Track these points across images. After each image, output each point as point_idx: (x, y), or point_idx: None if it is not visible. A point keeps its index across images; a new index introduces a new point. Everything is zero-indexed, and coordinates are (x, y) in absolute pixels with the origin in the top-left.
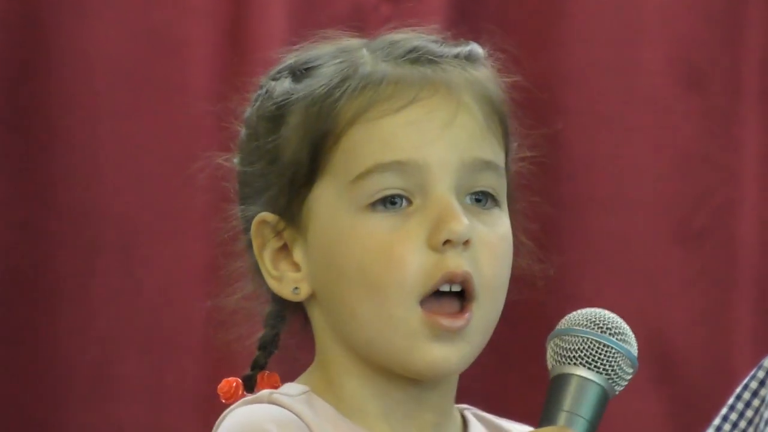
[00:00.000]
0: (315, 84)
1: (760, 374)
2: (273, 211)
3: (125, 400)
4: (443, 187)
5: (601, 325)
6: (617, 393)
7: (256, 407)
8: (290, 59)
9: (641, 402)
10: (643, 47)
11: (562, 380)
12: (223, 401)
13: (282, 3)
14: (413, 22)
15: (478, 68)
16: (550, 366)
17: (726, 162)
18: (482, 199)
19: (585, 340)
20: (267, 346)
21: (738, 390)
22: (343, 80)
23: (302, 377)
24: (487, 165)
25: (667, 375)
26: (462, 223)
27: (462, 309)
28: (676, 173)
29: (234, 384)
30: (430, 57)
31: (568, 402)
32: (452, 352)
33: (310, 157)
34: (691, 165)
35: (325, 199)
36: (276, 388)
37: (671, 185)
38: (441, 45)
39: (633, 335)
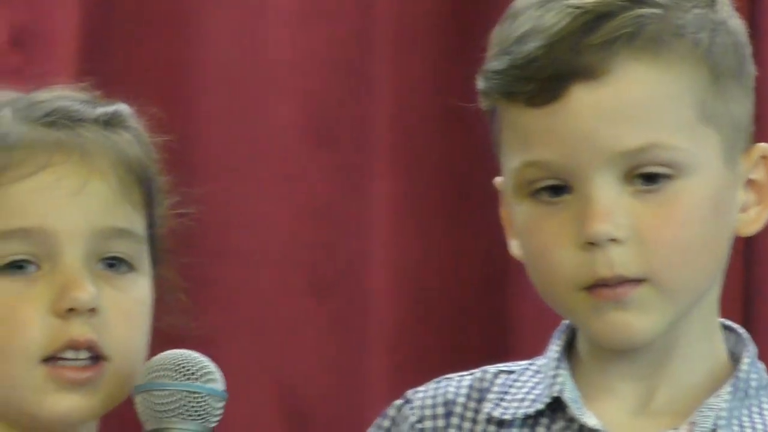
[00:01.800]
0: None
1: (385, 423)
2: None
3: None
4: (72, 255)
5: (184, 371)
6: (214, 425)
7: None
8: None
9: None
10: (274, 103)
11: None
12: None
13: None
14: (58, 79)
15: (119, 131)
16: (143, 420)
17: (356, 214)
18: (116, 264)
19: (174, 392)
20: None
21: None
22: None
23: None
24: (120, 232)
25: (298, 425)
26: (87, 292)
27: (92, 365)
28: (309, 226)
29: None
30: (69, 120)
31: None
32: (81, 402)
33: None
34: (322, 217)
35: None
36: None
37: (304, 237)
38: (85, 106)
39: (214, 366)
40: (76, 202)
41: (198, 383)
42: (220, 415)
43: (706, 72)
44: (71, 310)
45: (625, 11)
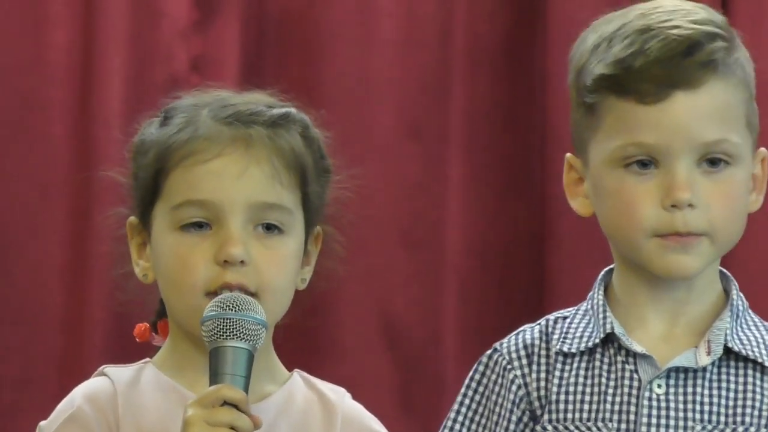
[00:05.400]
0: (166, 131)
1: (480, 368)
2: (136, 216)
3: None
4: (233, 221)
5: (222, 305)
6: (259, 345)
7: (86, 382)
8: (167, 104)
9: (375, 360)
10: (379, 108)
11: (216, 353)
12: (137, 340)
13: (119, 73)
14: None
15: (281, 131)
16: (206, 345)
17: (437, 190)
18: (271, 228)
19: (216, 320)
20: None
21: (466, 381)
22: (179, 131)
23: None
24: (270, 206)
25: (393, 342)
26: (238, 248)
27: None
28: (402, 198)
29: (144, 327)
30: (243, 122)
31: (226, 367)
32: None
33: (153, 184)
34: (412, 192)
35: (158, 217)
36: (168, 331)
37: (398, 207)
38: (262, 109)
39: (254, 302)
40: (238, 183)
41: (231, 312)
42: (261, 334)
43: (747, 93)
44: (226, 261)
45: (710, 42)
